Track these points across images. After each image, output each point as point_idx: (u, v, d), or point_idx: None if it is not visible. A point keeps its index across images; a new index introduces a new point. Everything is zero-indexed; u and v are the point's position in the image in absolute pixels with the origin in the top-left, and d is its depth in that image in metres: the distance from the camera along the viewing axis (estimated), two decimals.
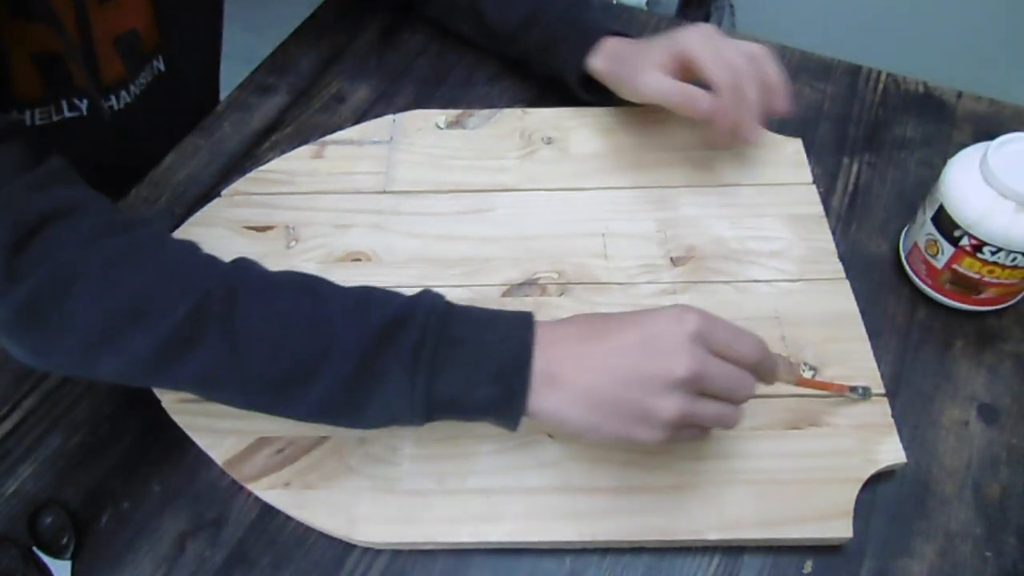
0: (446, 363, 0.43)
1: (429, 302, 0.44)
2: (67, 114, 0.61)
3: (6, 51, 0.55)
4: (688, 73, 0.60)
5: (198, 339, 0.42)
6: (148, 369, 0.44)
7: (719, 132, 0.60)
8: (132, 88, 0.66)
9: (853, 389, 0.52)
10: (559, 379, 0.43)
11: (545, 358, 0.43)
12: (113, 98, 0.64)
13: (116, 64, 0.63)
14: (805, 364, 0.54)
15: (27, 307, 0.42)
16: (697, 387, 0.42)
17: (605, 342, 0.43)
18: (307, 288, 0.45)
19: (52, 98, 0.60)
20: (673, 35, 0.61)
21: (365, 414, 0.45)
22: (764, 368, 0.45)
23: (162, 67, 0.68)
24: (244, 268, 0.46)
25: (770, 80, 0.59)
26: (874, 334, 0.56)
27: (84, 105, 0.62)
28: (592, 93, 0.67)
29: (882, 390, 0.53)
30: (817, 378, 0.53)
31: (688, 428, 0.44)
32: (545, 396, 0.43)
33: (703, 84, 0.59)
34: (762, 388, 0.52)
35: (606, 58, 0.64)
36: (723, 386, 0.43)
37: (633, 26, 0.79)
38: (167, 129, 0.70)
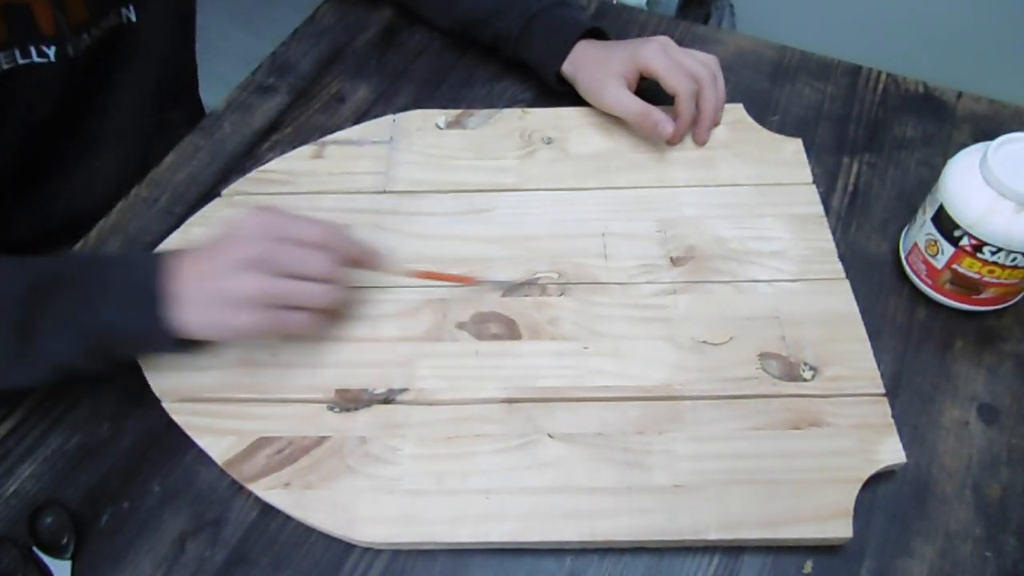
0: (90, 302, 0.49)
1: (62, 259, 0.52)
2: (35, 59, 0.62)
3: None
4: (645, 78, 0.66)
5: None
6: None
7: (676, 136, 0.66)
8: (93, 31, 0.65)
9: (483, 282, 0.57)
10: (183, 296, 0.49)
11: (172, 283, 0.49)
12: (75, 39, 0.64)
13: (80, 7, 0.63)
14: (805, 364, 0.54)
15: None
16: (269, 267, 0.49)
17: (205, 254, 0.50)
18: None
19: (17, 43, 0.60)
20: (634, 49, 0.66)
21: (34, 367, 0.50)
22: (341, 249, 0.52)
23: (133, 17, 0.68)
24: None
25: (720, 87, 0.67)
26: (874, 334, 0.56)
27: (52, 52, 0.62)
28: (564, 84, 0.70)
29: (882, 389, 0.53)
30: (818, 378, 0.53)
31: (284, 311, 0.50)
32: (181, 312, 0.49)
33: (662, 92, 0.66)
34: (765, 387, 0.53)
35: (572, 62, 0.68)
36: (295, 262, 0.50)
37: (633, 26, 0.79)
38: (129, 84, 0.70)
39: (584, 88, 0.68)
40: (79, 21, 0.63)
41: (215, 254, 0.50)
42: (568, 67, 0.68)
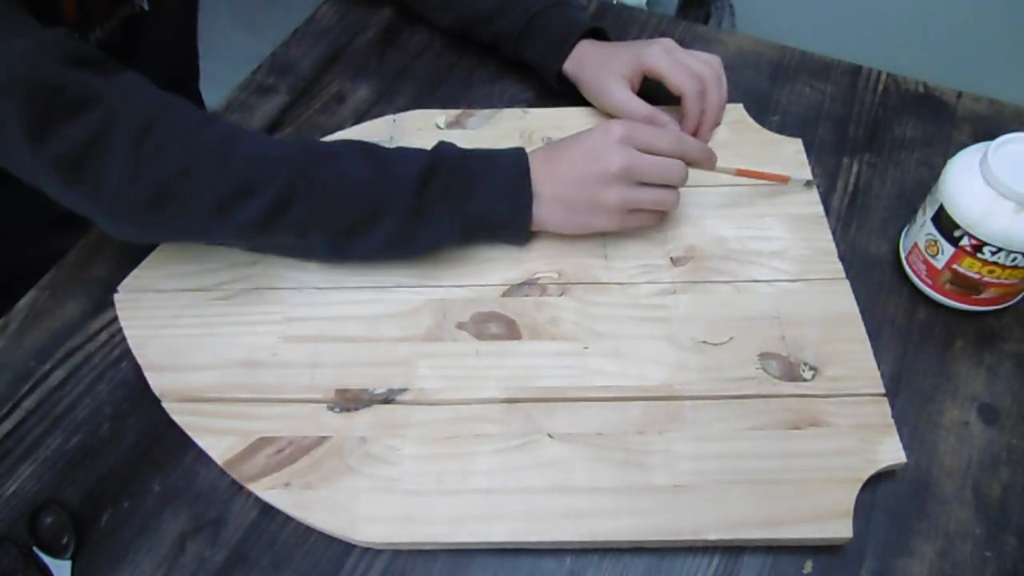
0: (472, 192, 0.56)
1: (447, 150, 0.57)
2: None
3: None
4: (648, 79, 0.67)
5: (290, 204, 0.53)
6: (253, 232, 0.53)
7: None
8: (112, 20, 0.64)
9: (796, 181, 0.63)
10: (544, 195, 0.57)
11: (535, 182, 0.57)
12: (98, 29, 0.63)
13: None
14: (805, 364, 0.54)
15: (156, 190, 0.51)
16: (632, 178, 0.56)
17: (560, 161, 0.57)
18: (363, 152, 0.56)
19: None
20: (637, 50, 0.66)
21: (417, 243, 0.57)
22: (687, 155, 0.58)
23: (145, 6, 0.67)
24: (313, 146, 0.56)
25: (723, 87, 0.67)
26: (874, 334, 0.56)
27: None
28: (565, 84, 0.70)
29: (882, 389, 0.53)
30: (818, 378, 0.53)
31: (635, 214, 0.58)
32: (541, 209, 0.57)
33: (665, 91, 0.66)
34: (765, 387, 0.53)
35: (575, 61, 0.68)
36: (655, 173, 0.57)
37: (633, 26, 0.79)
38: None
39: (588, 88, 0.68)
40: (100, 8, 0.63)
41: (575, 161, 0.56)
42: (570, 67, 0.68)
